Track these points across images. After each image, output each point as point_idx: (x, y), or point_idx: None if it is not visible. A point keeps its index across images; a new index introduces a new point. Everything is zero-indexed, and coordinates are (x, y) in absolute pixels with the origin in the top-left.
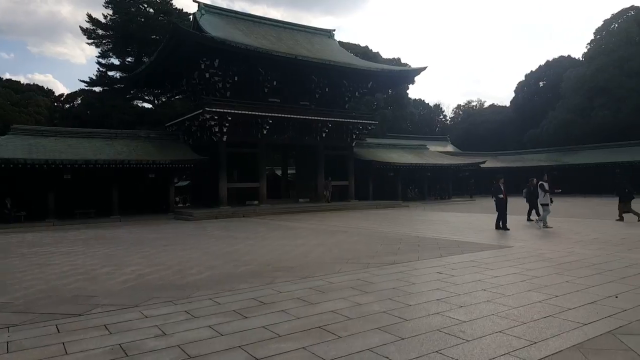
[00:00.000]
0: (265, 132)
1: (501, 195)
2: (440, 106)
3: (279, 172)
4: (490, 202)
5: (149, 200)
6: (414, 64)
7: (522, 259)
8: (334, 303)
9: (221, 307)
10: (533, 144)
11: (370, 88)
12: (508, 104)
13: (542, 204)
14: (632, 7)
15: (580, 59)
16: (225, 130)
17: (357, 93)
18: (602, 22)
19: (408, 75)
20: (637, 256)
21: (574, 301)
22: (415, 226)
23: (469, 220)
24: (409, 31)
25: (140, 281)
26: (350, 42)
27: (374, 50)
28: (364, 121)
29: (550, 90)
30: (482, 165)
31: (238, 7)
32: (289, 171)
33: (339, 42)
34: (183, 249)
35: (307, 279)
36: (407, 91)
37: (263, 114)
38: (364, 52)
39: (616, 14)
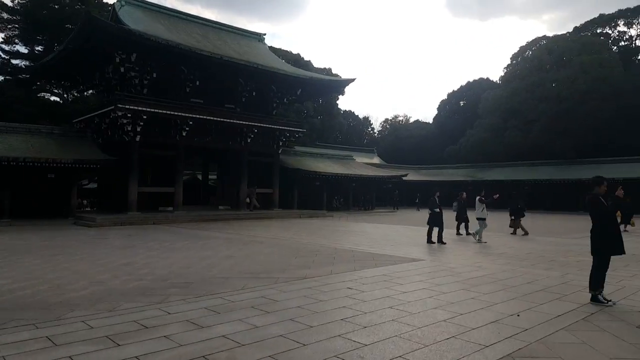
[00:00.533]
0: (184, 134)
1: (437, 209)
2: (369, 119)
3: (201, 177)
4: (411, 214)
5: (48, 203)
6: (344, 76)
7: (433, 273)
8: (228, 326)
9: (93, 332)
10: (452, 160)
11: (300, 95)
12: (431, 121)
13: (478, 218)
14: (544, 37)
15: (498, 81)
16: (139, 129)
17: (285, 99)
18: (517, 49)
19: (338, 85)
20: (539, 272)
21: (478, 320)
22: (335, 237)
23: (388, 232)
24: (343, 44)
25: (6, 298)
26: (283, 48)
27: (306, 58)
28: (291, 128)
29: (469, 109)
30: (405, 178)
31: (170, 4)
32: (210, 176)
33: (271, 47)
34: (72, 259)
35: (204, 297)
36: (337, 102)
37: (183, 114)
38: (296, 60)
39: (530, 41)
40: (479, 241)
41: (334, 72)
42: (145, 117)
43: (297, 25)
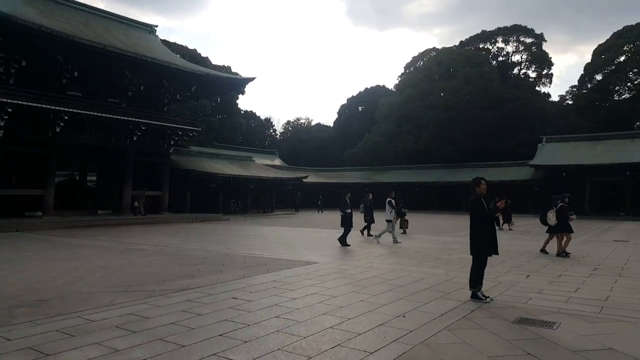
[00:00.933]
0: (59, 129)
1: (349, 210)
2: (271, 120)
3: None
4: (312, 216)
5: None
6: (245, 74)
7: (325, 277)
8: (80, 352)
9: None
10: (351, 162)
11: (195, 92)
12: (332, 124)
13: (387, 220)
14: (434, 49)
15: (393, 89)
16: (2, 124)
17: (178, 96)
18: (410, 59)
19: (236, 83)
20: (426, 270)
21: (365, 324)
22: (228, 242)
23: (286, 235)
24: (245, 44)
25: None
26: (178, 42)
27: (204, 55)
28: (184, 127)
29: (367, 114)
30: (306, 180)
31: None
32: (90, 177)
33: (165, 41)
34: None
35: (59, 317)
36: (237, 101)
37: (57, 108)
38: (192, 55)
39: (422, 52)
40: (388, 240)
41: (233, 70)
42: (10, 110)
43: (196, 22)
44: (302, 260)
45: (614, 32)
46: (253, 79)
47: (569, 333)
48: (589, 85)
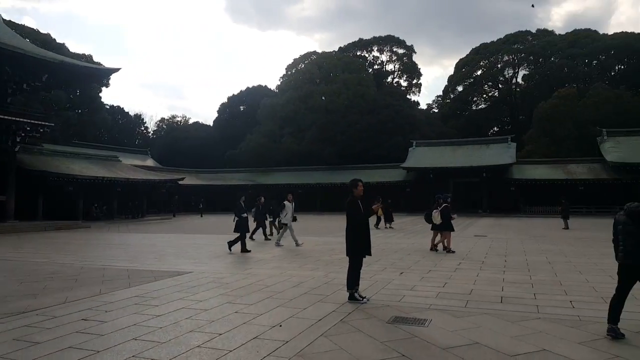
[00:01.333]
0: None
1: (245, 215)
2: (142, 117)
3: None
4: (191, 221)
5: None
6: (111, 65)
7: (197, 288)
8: None
9: None
10: (233, 164)
11: (46, 82)
12: (212, 123)
13: (282, 223)
14: (314, 52)
15: (275, 90)
16: None
17: (25, 85)
18: (292, 60)
19: (98, 73)
20: (305, 273)
21: (238, 339)
22: (87, 253)
23: (157, 242)
24: (113, 32)
25: None
26: (27, 25)
27: (60, 41)
28: (33, 121)
29: (249, 114)
30: (184, 182)
31: None
32: None
33: (11, 22)
34: None
35: None
36: (101, 94)
37: None
38: (45, 41)
39: (303, 55)
40: (278, 245)
41: (96, 60)
42: None
43: (54, 5)
44: (173, 270)
45: (472, 48)
46: (118, 69)
47: (439, 330)
48: (452, 96)
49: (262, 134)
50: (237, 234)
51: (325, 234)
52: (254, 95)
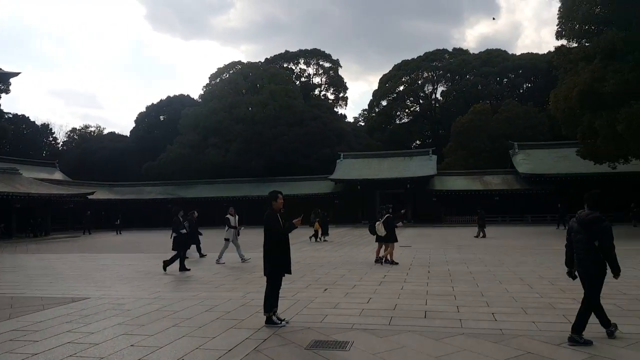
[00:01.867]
0: None
1: (184, 230)
2: (51, 127)
3: None
4: (104, 239)
5: None
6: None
7: (92, 317)
8: None
9: None
10: (152, 177)
11: None
12: (129, 134)
13: (225, 239)
14: (239, 62)
15: (198, 99)
16: None
17: None
18: (216, 69)
19: None
20: (222, 294)
21: None
22: None
23: (57, 264)
24: (18, 33)
25: None
26: None
27: None
28: None
29: (170, 125)
30: (97, 197)
31: None
32: None
33: None
34: None
35: None
36: None
37: None
38: None
39: (228, 64)
40: (218, 261)
41: None
42: None
43: None
44: (67, 296)
45: (395, 65)
46: (17, 73)
47: (360, 354)
48: (377, 110)
49: (184, 145)
50: (175, 252)
51: (251, 248)
52: (175, 105)
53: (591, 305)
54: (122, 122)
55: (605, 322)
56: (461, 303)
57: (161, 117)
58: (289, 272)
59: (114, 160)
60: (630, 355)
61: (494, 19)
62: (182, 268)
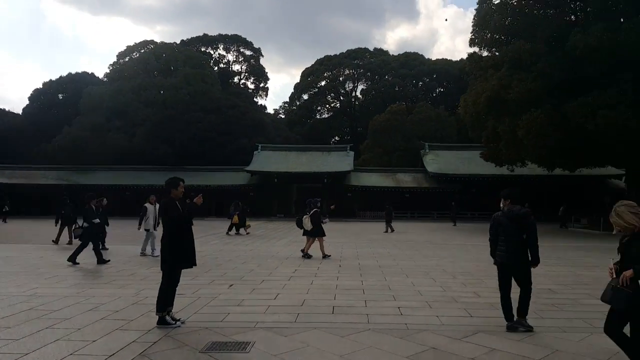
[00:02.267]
0: None
1: (97, 220)
2: None
3: None
4: None
5: None
6: None
7: None
8: None
9: None
10: (46, 159)
11: None
12: (21, 112)
13: (145, 229)
14: (152, 42)
15: (104, 78)
16: None
17: None
18: (125, 47)
19: None
20: (112, 291)
21: None
22: None
23: None
24: None
25: None
26: None
27: None
28: None
29: (71, 104)
30: None
31: None
32: None
33: None
34: None
35: None
36: None
37: None
38: None
39: (139, 43)
40: (143, 254)
41: None
42: None
43: None
44: None
45: (317, 59)
46: None
47: (260, 355)
48: (298, 103)
49: (84, 127)
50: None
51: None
52: (78, 83)
53: (529, 288)
54: (13, 98)
55: (509, 316)
56: (369, 297)
57: (60, 96)
58: (194, 264)
59: (2, 139)
60: (524, 347)
61: (446, 20)
62: (101, 260)
